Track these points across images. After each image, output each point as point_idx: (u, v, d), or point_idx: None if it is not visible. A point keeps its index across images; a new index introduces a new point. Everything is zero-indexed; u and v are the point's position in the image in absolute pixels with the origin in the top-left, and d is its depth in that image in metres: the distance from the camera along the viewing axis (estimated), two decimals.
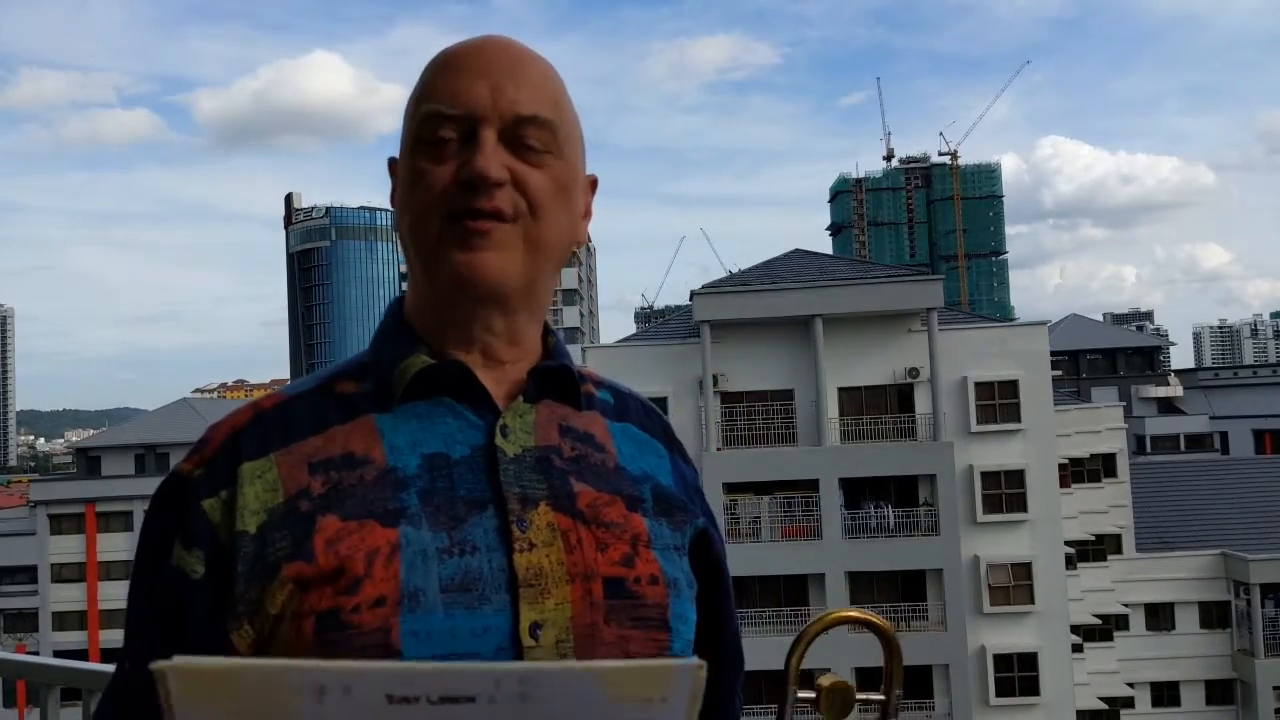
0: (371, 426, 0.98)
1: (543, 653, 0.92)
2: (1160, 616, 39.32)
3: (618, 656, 0.94)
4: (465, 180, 0.95)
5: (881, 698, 1.25)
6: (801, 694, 1.23)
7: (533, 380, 1.02)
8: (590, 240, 1.14)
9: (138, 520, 52.83)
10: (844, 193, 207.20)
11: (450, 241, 0.97)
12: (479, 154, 0.95)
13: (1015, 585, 28.91)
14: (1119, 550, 38.84)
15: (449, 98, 0.98)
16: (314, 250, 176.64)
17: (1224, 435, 63.11)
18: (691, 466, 1.15)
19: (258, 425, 0.98)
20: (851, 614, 1.32)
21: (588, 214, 1.09)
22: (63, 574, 52.73)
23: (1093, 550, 36.80)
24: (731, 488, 28.36)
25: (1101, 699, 33.53)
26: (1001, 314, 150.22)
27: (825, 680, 1.23)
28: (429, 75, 1.01)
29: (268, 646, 0.91)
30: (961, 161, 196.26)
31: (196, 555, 0.93)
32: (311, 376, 1.05)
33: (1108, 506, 38.22)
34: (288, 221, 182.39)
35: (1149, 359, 72.86)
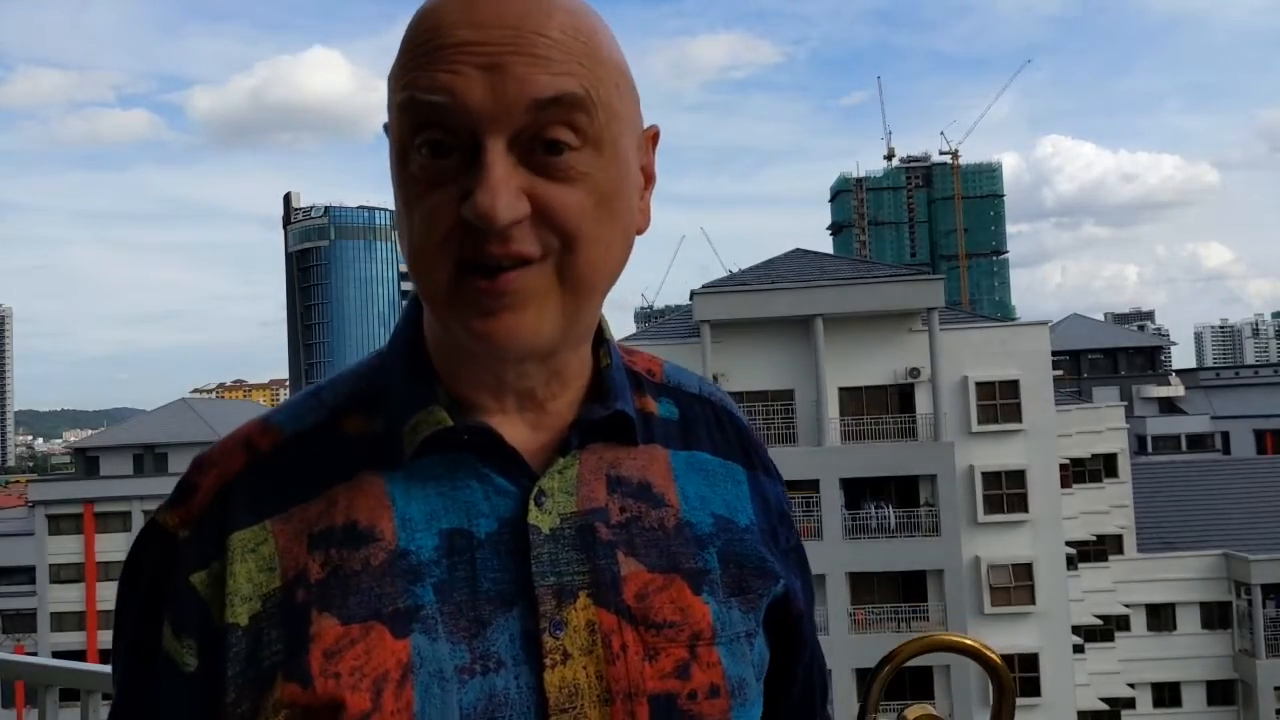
0: (380, 491, 0.80)
1: None
2: (1161, 617, 39.32)
3: None
4: (470, 221, 0.73)
5: None
6: None
7: (575, 433, 0.84)
8: (648, 228, 0.84)
9: (136, 520, 52.91)
10: (844, 192, 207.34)
11: (464, 303, 0.75)
12: (482, 186, 0.72)
13: (1016, 586, 28.89)
14: (1120, 551, 38.87)
15: (434, 85, 0.73)
16: (313, 250, 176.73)
17: (1225, 435, 63.11)
18: (776, 480, 0.99)
19: (251, 477, 0.82)
20: (956, 639, 1.11)
21: (650, 180, 0.86)
22: (61, 574, 52.75)
23: (1094, 551, 36.82)
24: None
25: (1102, 699, 33.52)
26: (1002, 313, 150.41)
27: (913, 712, 1.08)
28: (408, 45, 0.76)
29: None
30: (962, 161, 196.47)
31: (189, 645, 0.79)
32: (317, 402, 0.87)
33: (1109, 507, 38.24)
34: (286, 221, 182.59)
35: (1150, 359, 72.92)
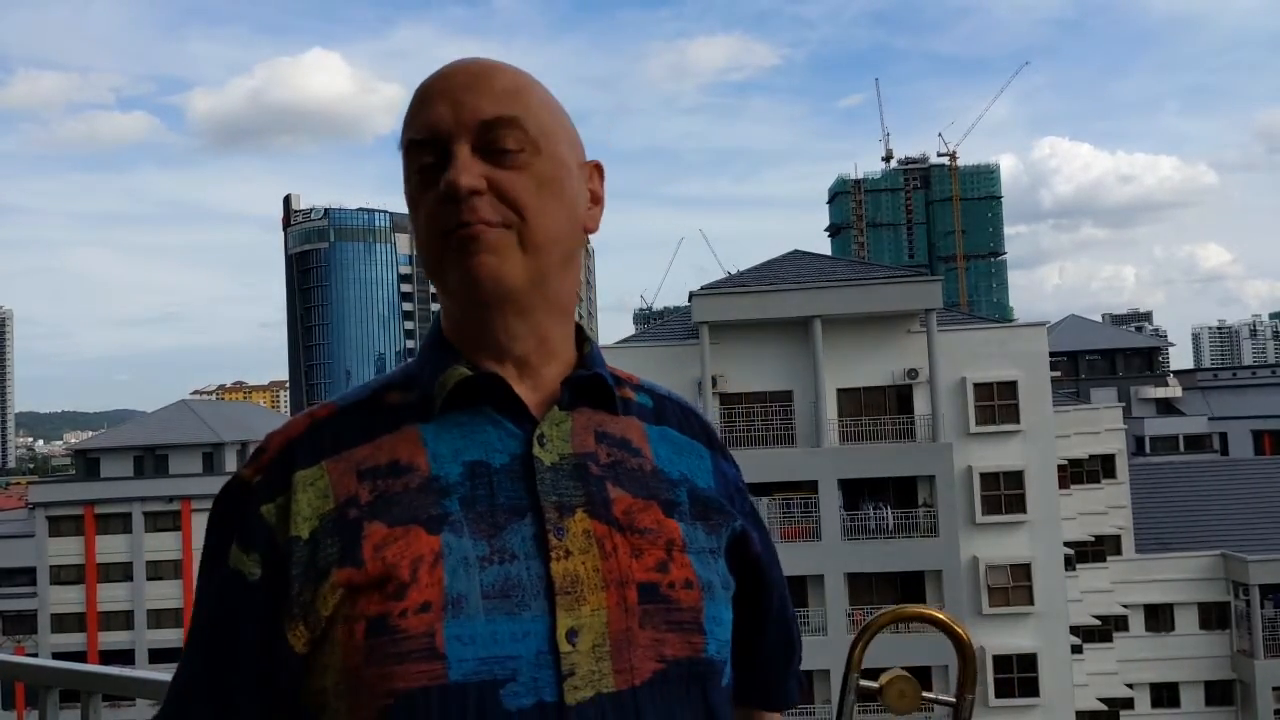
0: (416, 436, 1.03)
1: (580, 657, 0.96)
2: (1160, 617, 39.30)
3: (653, 659, 0.99)
4: (444, 195, 0.99)
5: (951, 700, 1.21)
6: (864, 683, 1.22)
7: (566, 389, 1.06)
8: (597, 230, 1.19)
9: (136, 522, 52.88)
10: (843, 194, 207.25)
11: (448, 256, 1.01)
12: (451, 168, 0.99)
13: (1014, 586, 28.90)
14: (1118, 551, 38.85)
15: (419, 126, 1.03)
16: (312, 251, 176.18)
17: (1223, 436, 63.13)
18: (734, 465, 1.19)
19: (312, 434, 1.04)
20: (922, 610, 1.26)
21: (597, 201, 1.11)
22: (61, 576, 52.69)
23: (1092, 551, 36.81)
24: None
25: (1101, 700, 33.52)
26: (1000, 315, 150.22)
27: (889, 674, 1.20)
28: (407, 112, 1.06)
29: (322, 645, 0.97)
30: (960, 162, 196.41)
31: (254, 558, 1.00)
32: (364, 386, 1.11)
33: (1107, 507, 38.22)
34: (286, 223, 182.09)
35: (1148, 360, 72.83)
